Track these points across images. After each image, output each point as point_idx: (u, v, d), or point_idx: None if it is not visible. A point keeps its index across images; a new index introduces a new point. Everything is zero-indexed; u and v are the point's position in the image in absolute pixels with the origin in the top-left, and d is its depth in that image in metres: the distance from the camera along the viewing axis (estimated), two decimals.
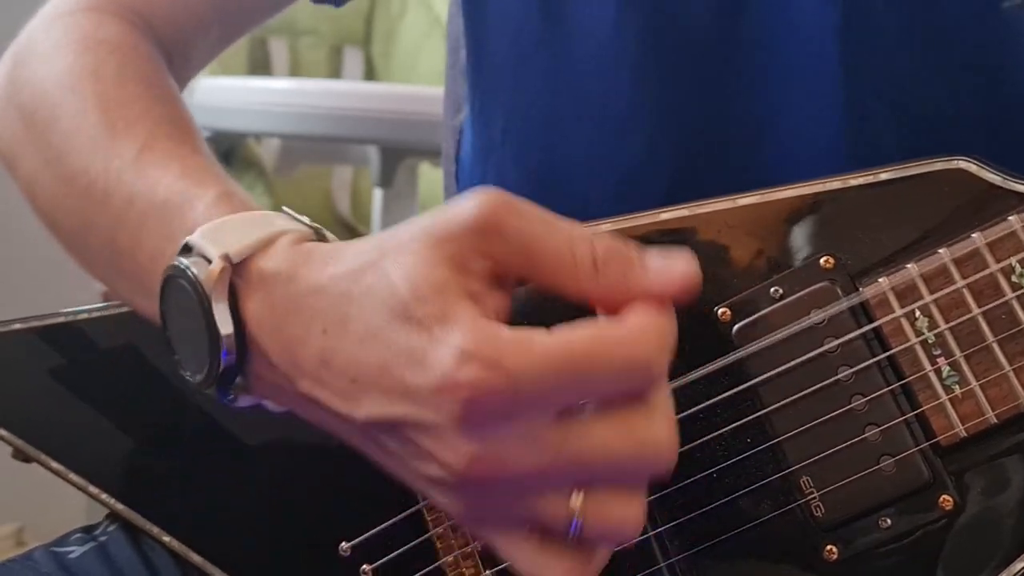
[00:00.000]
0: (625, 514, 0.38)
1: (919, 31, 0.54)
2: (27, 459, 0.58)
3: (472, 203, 0.39)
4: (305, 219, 0.45)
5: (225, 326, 0.42)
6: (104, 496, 0.57)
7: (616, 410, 0.38)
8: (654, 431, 0.38)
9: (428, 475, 0.39)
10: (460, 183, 0.69)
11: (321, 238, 0.44)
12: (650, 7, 0.57)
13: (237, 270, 0.42)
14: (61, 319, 0.57)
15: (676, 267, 0.39)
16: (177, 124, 0.53)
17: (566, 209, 0.63)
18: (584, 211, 0.61)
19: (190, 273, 0.43)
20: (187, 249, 0.44)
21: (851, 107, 0.55)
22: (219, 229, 0.44)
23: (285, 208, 0.46)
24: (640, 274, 0.39)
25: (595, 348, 0.37)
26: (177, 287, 0.44)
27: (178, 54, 0.61)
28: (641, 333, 0.37)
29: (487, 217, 0.38)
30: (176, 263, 0.44)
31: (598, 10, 0.58)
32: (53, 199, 0.55)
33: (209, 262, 0.43)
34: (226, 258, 0.42)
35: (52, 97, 0.55)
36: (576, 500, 0.38)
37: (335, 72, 2.06)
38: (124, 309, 0.57)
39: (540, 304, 0.47)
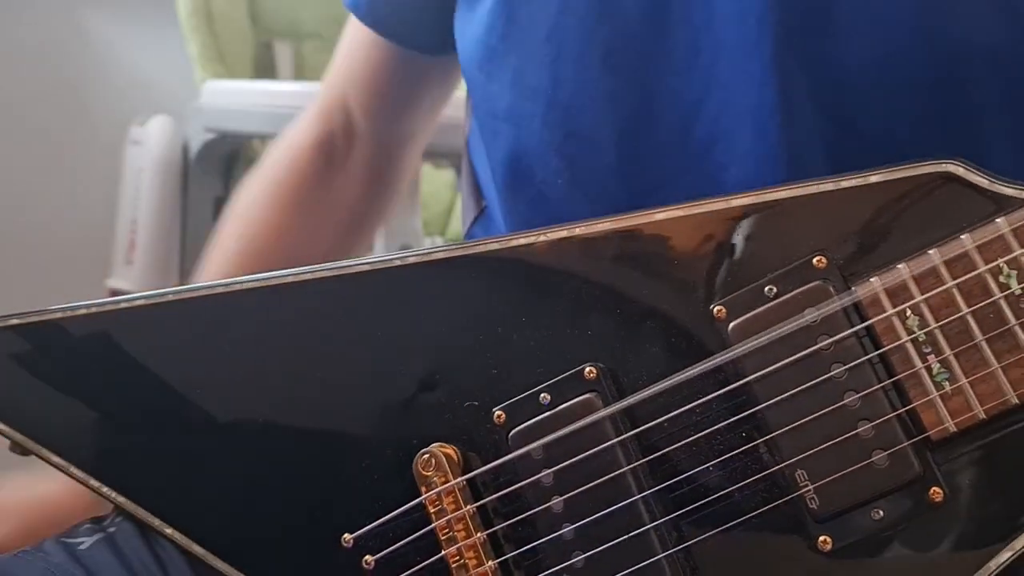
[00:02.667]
0: None
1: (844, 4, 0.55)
2: (25, 452, 0.58)
3: None
4: None
5: None
6: (105, 490, 0.57)
7: None
8: None
9: None
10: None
11: None
12: None
13: None
14: (58, 315, 0.58)
15: None
16: None
17: (531, 199, 0.64)
18: (545, 202, 0.62)
19: None
20: None
21: (781, 82, 0.55)
22: None
23: None
24: None
25: None
26: None
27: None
28: None
29: None
30: None
31: (542, 4, 0.59)
32: None
33: None
34: None
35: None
36: None
37: None
38: (121, 305, 0.58)
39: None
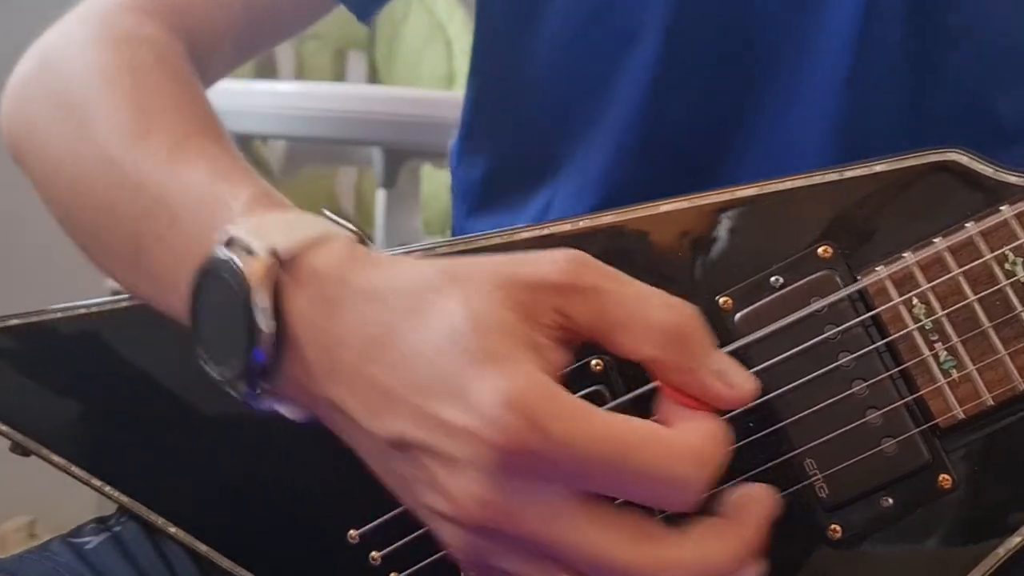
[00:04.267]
0: None
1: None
2: (26, 453, 0.58)
3: (556, 259, 0.38)
4: (350, 224, 0.44)
5: (267, 323, 0.40)
6: (108, 489, 0.57)
7: (645, 523, 0.36)
8: (669, 561, 0.36)
9: (434, 507, 0.38)
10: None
11: (367, 243, 0.44)
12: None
13: (287, 268, 0.41)
14: (58, 315, 0.58)
15: (741, 376, 0.39)
16: (207, 122, 0.53)
17: (530, 202, 0.64)
18: (547, 208, 0.62)
19: (234, 266, 0.41)
20: (229, 244, 0.42)
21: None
22: (263, 225, 0.43)
23: (327, 212, 0.45)
24: (707, 365, 0.38)
25: (644, 448, 0.35)
26: (216, 279, 0.42)
27: (205, 55, 0.61)
28: (694, 451, 0.36)
29: (568, 276, 0.38)
30: (217, 255, 0.42)
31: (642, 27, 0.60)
32: (77, 186, 0.54)
33: (253, 257, 0.41)
34: (274, 253, 0.41)
35: (89, 87, 0.55)
36: None
37: (339, 75, 2.07)
38: (122, 304, 0.57)
39: None
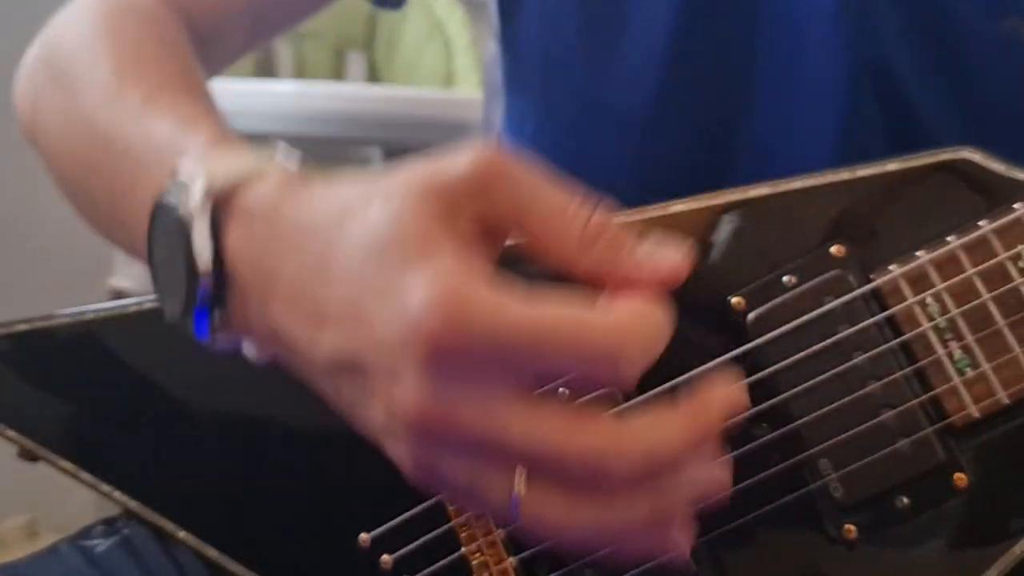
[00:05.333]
0: (561, 518, 0.36)
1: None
2: (34, 458, 0.58)
3: (467, 157, 0.38)
4: (296, 158, 0.44)
5: (203, 255, 0.41)
6: (116, 494, 0.57)
7: (580, 410, 0.36)
8: (606, 443, 0.35)
9: (378, 421, 0.38)
10: None
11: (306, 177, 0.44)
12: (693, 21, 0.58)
13: (223, 202, 0.42)
14: (66, 319, 0.58)
15: (666, 254, 0.38)
16: (185, 76, 0.54)
17: None
18: None
19: (174, 202, 0.42)
20: (174, 184, 0.44)
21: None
22: (206, 160, 0.44)
23: (282, 147, 0.45)
24: (628, 253, 0.37)
25: (568, 330, 0.35)
26: (162, 219, 0.43)
27: (206, 41, 0.62)
28: (622, 329, 0.35)
29: (481, 172, 0.37)
30: (163, 196, 0.43)
31: (648, 34, 0.59)
32: (64, 148, 0.56)
33: (189, 194, 0.42)
34: (209, 186, 0.42)
35: (73, 52, 0.57)
36: (519, 482, 0.36)
37: (338, 74, 2.06)
38: (130, 309, 0.58)
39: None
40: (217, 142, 0.47)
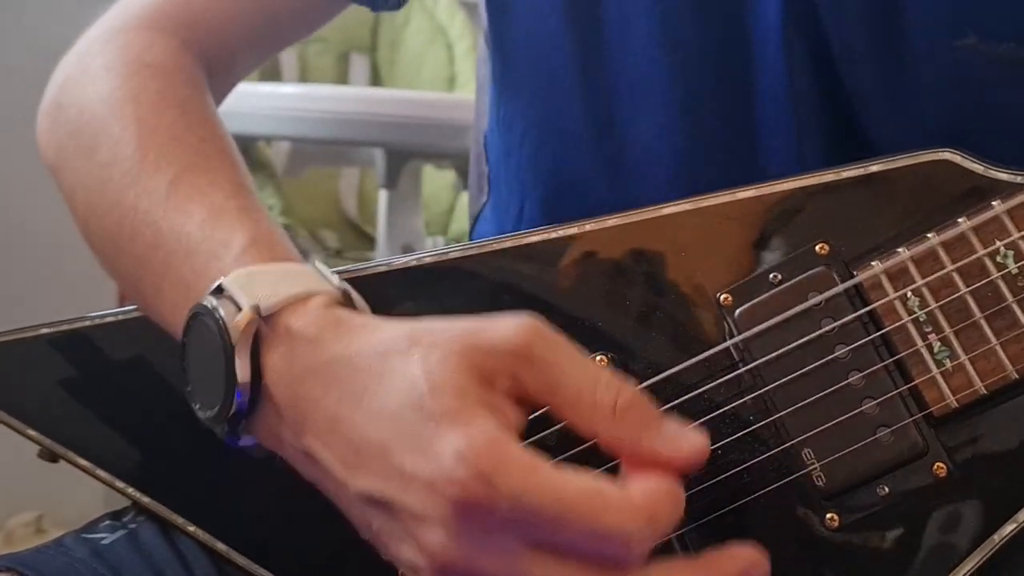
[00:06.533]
0: None
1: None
2: (53, 458, 0.58)
3: (512, 327, 0.40)
4: (335, 278, 0.47)
5: (243, 373, 0.44)
6: (131, 491, 0.58)
7: (593, 568, 0.38)
8: None
9: (406, 557, 0.41)
10: (492, 184, 0.71)
11: (349, 299, 0.46)
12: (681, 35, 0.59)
13: (264, 321, 0.44)
14: (88, 323, 0.58)
15: (689, 439, 0.40)
16: (208, 154, 0.54)
17: (574, 214, 0.65)
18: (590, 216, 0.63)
19: (218, 316, 0.44)
20: (218, 291, 0.45)
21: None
22: (251, 278, 0.46)
23: (318, 263, 0.48)
24: (654, 435, 0.40)
25: (585, 503, 0.37)
26: (202, 325, 0.46)
27: (222, 68, 0.63)
28: (636, 508, 0.38)
29: (522, 345, 0.40)
30: (206, 302, 0.45)
31: (638, 44, 0.60)
32: (89, 215, 0.57)
33: (239, 309, 0.44)
34: (256, 309, 0.44)
35: (95, 120, 0.57)
36: None
37: (342, 78, 2.07)
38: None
39: None
40: (253, 249, 0.48)
